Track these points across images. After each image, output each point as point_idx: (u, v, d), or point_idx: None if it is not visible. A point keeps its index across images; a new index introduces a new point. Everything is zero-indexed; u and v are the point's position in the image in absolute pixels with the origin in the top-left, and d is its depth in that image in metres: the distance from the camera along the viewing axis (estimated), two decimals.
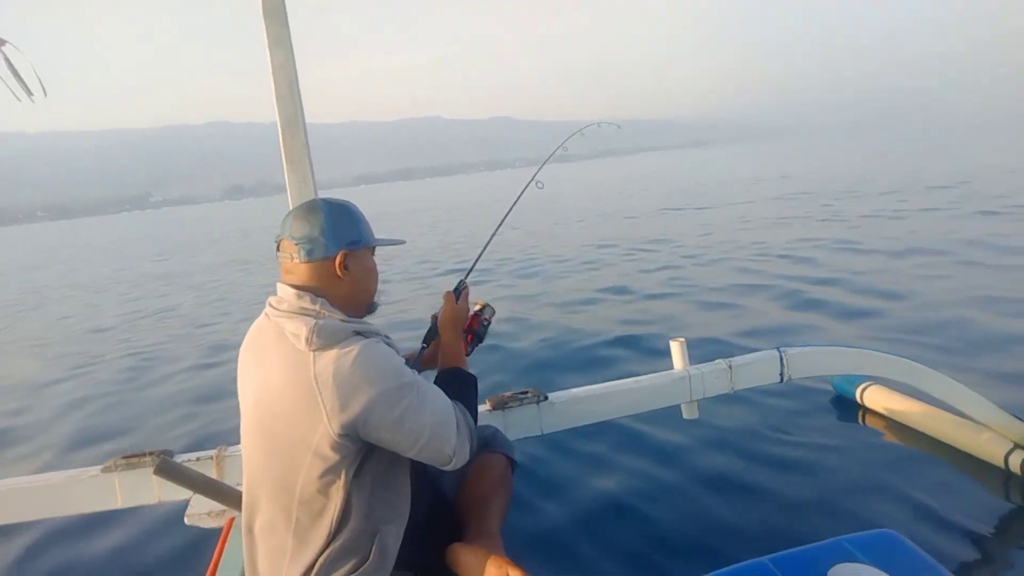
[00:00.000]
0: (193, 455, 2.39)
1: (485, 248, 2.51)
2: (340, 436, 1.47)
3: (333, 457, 1.49)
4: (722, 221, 13.92)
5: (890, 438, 3.40)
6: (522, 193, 2.66)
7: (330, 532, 1.52)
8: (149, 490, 2.29)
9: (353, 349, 1.50)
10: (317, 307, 1.58)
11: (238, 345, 1.73)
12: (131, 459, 2.30)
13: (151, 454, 2.30)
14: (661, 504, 2.95)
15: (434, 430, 1.57)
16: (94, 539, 3.01)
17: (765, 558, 1.17)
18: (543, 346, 5.86)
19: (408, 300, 8.58)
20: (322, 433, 1.47)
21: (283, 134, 2.46)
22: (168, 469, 1.99)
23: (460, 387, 1.84)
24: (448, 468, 1.65)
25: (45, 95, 2.27)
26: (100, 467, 2.31)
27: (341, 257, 1.63)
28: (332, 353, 1.50)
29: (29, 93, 2.24)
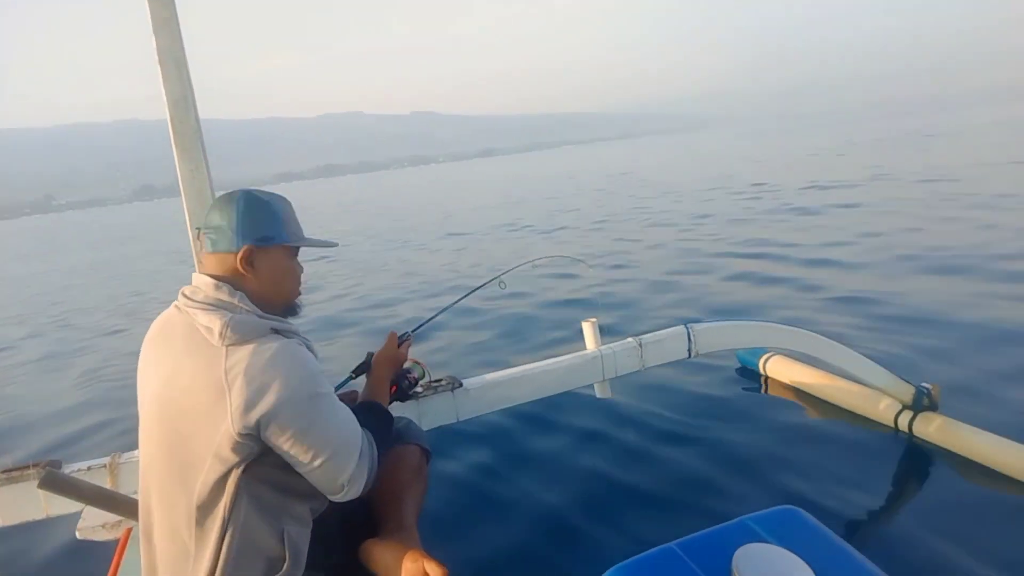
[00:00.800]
0: (84, 464, 2.24)
1: (441, 312, 2.65)
2: (241, 436, 1.40)
3: (232, 459, 1.42)
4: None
5: (792, 408, 3.56)
6: (483, 285, 2.79)
7: (221, 532, 1.44)
8: (35, 505, 2.12)
9: (270, 347, 1.44)
10: (235, 300, 1.51)
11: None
12: (12, 473, 2.13)
13: (36, 466, 2.13)
14: (569, 489, 2.96)
15: (336, 450, 1.50)
16: None
17: (672, 543, 1.18)
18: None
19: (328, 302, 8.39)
20: (224, 432, 1.39)
21: (172, 119, 2.31)
22: (54, 481, 1.84)
23: (374, 420, 1.78)
24: (334, 498, 1.58)
25: None
26: None
27: (244, 252, 1.54)
28: (247, 349, 1.43)
29: None
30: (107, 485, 2.12)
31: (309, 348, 1.58)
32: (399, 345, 2.11)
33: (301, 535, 1.55)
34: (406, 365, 2.20)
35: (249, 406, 1.38)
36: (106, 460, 2.24)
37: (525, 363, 2.75)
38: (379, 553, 1.69)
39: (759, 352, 3.97)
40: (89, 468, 2.21)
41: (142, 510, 1.57)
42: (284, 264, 1.62)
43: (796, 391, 3.67)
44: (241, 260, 1.54)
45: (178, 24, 2.32)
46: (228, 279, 1.55)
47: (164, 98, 2.31)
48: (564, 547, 2.57)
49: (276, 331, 1.50)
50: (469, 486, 3.09)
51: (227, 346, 1.43)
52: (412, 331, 2.26)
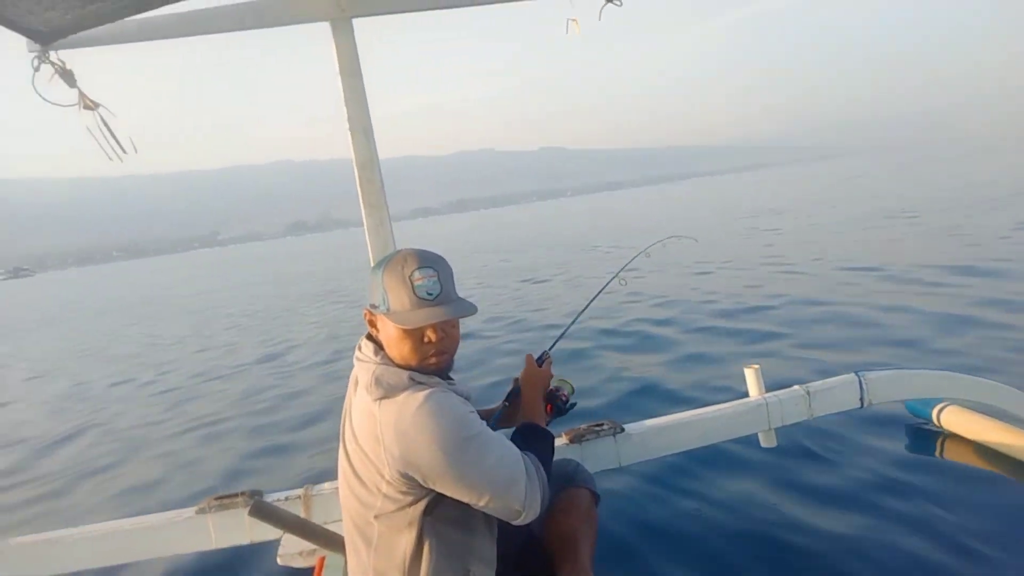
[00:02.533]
0: (282, 494, 2.44)
1: (570, 326, 2.59)
2: (404, 483, 1.51)
3: (402, 499, 1.53)
4: None
5: (976, 464, 3.28)
6: (607, 284, 2.78)
7: (404, 571, 1.55)
8: (241, 531, 2.34)
9: (415, 400, 1.52)
10: (378, 358, 1.62)
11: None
12: (223, 500, 2.36)
13: (243, 494, 2.36)
14: (744, 538, 2.88)
15: (500, 484, 1.56)
16: None
17: None
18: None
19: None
20: (388, 478, 1.51)
21: (360, 178, 2.56)
22: (261, 510, 2.04)
23: (535, 441, 1.82)
24: (517, 522, 1.62)
25: (136, 152, 2.40)
26: (194, 508, 2.38)
27: (366, 314, 1.69)
28: (395, 404, 1.53)
29: (123, 151, 2.38)
30: (301, 515, 2.30)
31: (457, 392, 1.63)
32: (540, 365, 2.12)
33: (484, 574, 1.63)
34: (553, 383, 2.18)
35: (404, 460, 1.49)
36: (300, 491, 2.44)
37: (687, 410, 2.73)
38: None
39: (931, 402, 3.69)
40: (287, 498, 2.41)
41: (345, 535, 1.72)
42: (392, 333, 1.61)
43: (976, 446, 3.37)
44: (367, 322, 1.70)
45: (365, 94, 2.55)
46: (377, 338, 1.69)
47: (353, 160, 2.53)
48: None
49: (417, 382, 1.57)
50: (637, 529, 3.06)
51: (377, 400, 1.55)
52: (549, 349, 2.26)
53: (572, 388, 2.25)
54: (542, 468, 1.71)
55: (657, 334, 7.09)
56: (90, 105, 2.33)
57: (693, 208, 32.40)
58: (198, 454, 5.27)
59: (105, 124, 2.35)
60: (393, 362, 1.61)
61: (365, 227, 2.59)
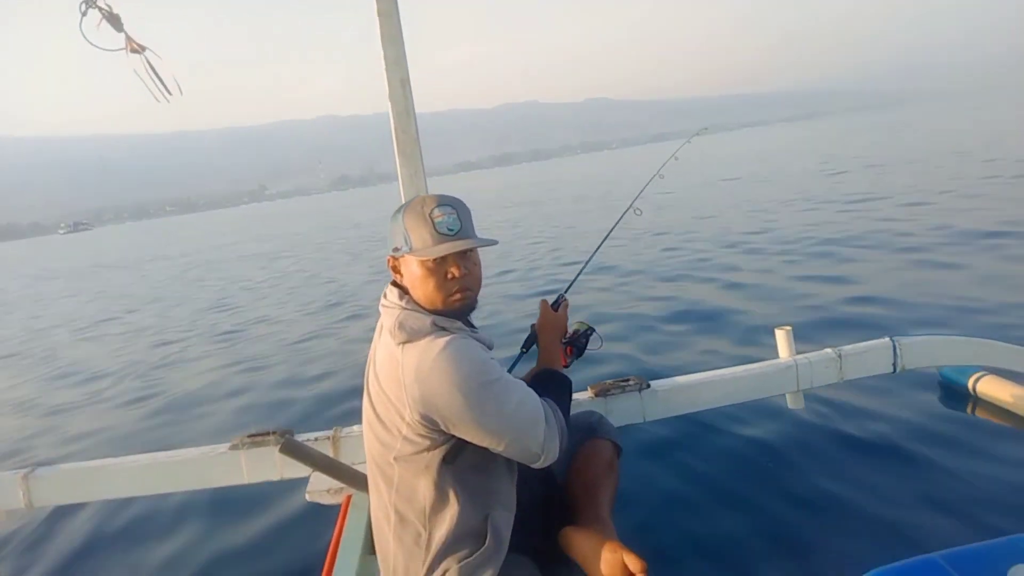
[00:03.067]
0: (311, 435, 2.52)
1: (586, 264, 2.57)
2: (423, 426, 1.54)
3: (421, 443, 1.56)
4: None
5: (1012, 433, 3.20)
6: (621, 217, 2.72)
7: (425, 511, 1.59)
8: (272, 467, 2.43)
9: (437, 345, 1.54)
10: (403, 302, 1.64)
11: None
12: (256, 438, 2.44)
13: (274, 433, 2.43)
14: (765, 495, 2.86)
15: (519, 429, 1.58)
16: (222, 512, 3.22)
17: (935, 554, 1.12)
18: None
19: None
20: (408, 422, 1.54)
21: (395, 128, 2.55)
22: (291, 448, 2.11)
23: (553, 387, 1.84)
24: (536, 466, 1.65)
25: (181, 94, 2.45)
26: (228, 445, 2.47)
27: (389, 262, 1.72)
28: (417, 347, 1.55)
29: (168, 93, 2.42)
30: (330, 455, 2.37)
31: (478, 339, 1.65)
32: (556, 310, 2.13)
33: (504, 519, 1.66)
34: (572, 327, 2.18)
35: (425, 404, 1.51)
36: (329, 432, 2.51)
37: (714, 368, 2.72)
38: (578, 541, 1.76)
39: (967, 371, 3.60)
40: (316, 439, 2.48)
41: (368, 477, 1.77)
42: (415, 271, 1.63)
43: (1013, 416, 3.30)
44: (391, 269, 1.73)
45: (403, 40, 2.54)
46: (403, 284, 1.71)
47: (390, 110, 2.54)
48: (767, 553, 2.49)
49: (440, 327, 1.60)
50: (659, 485, 3.08)
51: (400, 344, 1.58)
52: (564, 292, 2.26)
53: (593, 329, 2.24)
54: (560, 412, 1.74)
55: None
56: (136, 49, 2.35)
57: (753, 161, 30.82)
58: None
59: (151, 66, 2.37)
60: (418, 306, 1.64)
61: (400, 178, 2.60)
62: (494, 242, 1.72)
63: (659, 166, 2.99)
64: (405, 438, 1.57)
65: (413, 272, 1.64)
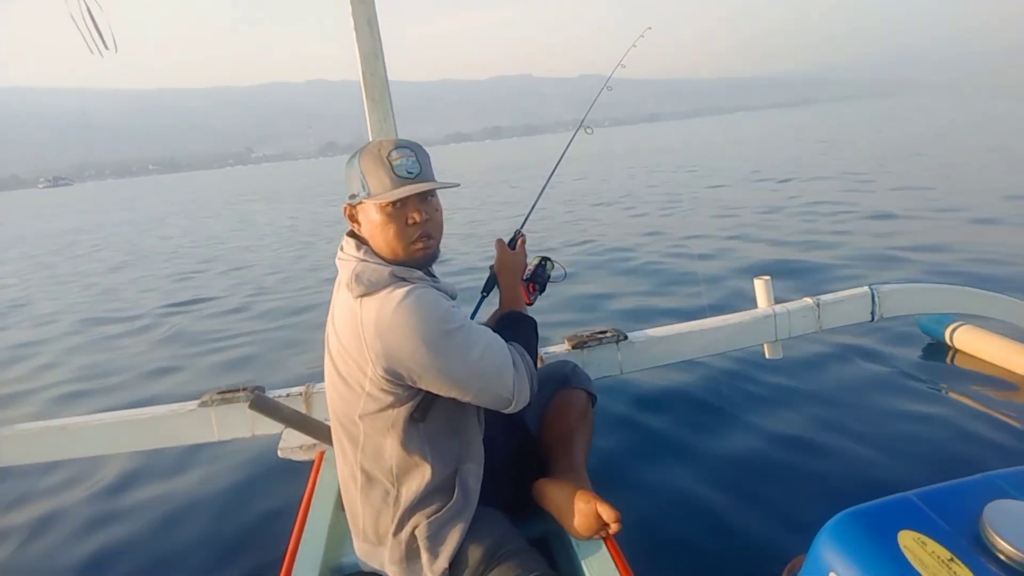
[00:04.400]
0: (283, 391, 2.47)
1: (539, 197, 2.44)
2: (387, 381, 1.48)
3: (385, 399, 1.51)
4: None
5: (988, 380, 3.23)
6: (572, 139, 2.60)
7: (392, 471, 1.56)
8: (243, 424, 2.38)
9: (396, 296, 1.47)
10: (360, 253, 1.57)
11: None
12: (226, 394, 2.40)
13: (244, 390, 2.39)
14: (747, 445, 2.86)
15: (486, 377, 1.54)
16: (192, 470, 3.17)
17: (909, 493, 1.11)
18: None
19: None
20: (371, 377, 1.49)
21: (364, 74, 2.45)
22: (262, 404, 2.07)
23: (519, 329, 1.79)
24: (507, 411, 1.61)
25: (116, 51, 2.29)
26: (197, 402, 2.41)
27: (346, 210, 1.63)
28: (375, 300, 1.49)
29: (104, 47, 2.26)
30: (303, 411, 2.33)
31: (438, 288, 1.59)
32: (513, 247, 2.04)
33: (473, 472, 1.63)
34: (532, 262, 2.10)
35: (386, 355, 1.45)
36: (301, 389, 2.46)
37: (692, 320, 2.69)
38: (551, 492, 1.74)
39: (945, 320, 3.62)
40: (288, 395, 2.44)
41: (332, 435, 1.72)
42: (375, 219, 1.55)
43: (991, 365, 3.31)
44: (348, 217, 1.64)
45: None
46: (360, 235, 1.63)
47: (357, 53, 2.43)
48: (743, 499, 2.49)
49: (399, 277, 1.52)
50: (638, 435, 3.06)
51: (358, 297, 1.50)
52: (520, 227, 2.15)
53: (553, 264, 2.16)
54: (528, 355, 1.69)
55: None
56: None
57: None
58: None
59: (91, 14, 2.20)
60: (378, 256, 1.57)
61: (368, 122, 2.51)
62: (455, 184, 1.63)
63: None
64: (369, 395, 1.51)
65: (372, 219, 1.55)
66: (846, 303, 2.65)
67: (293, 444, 2.35)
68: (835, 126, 40.58)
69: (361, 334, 1.48)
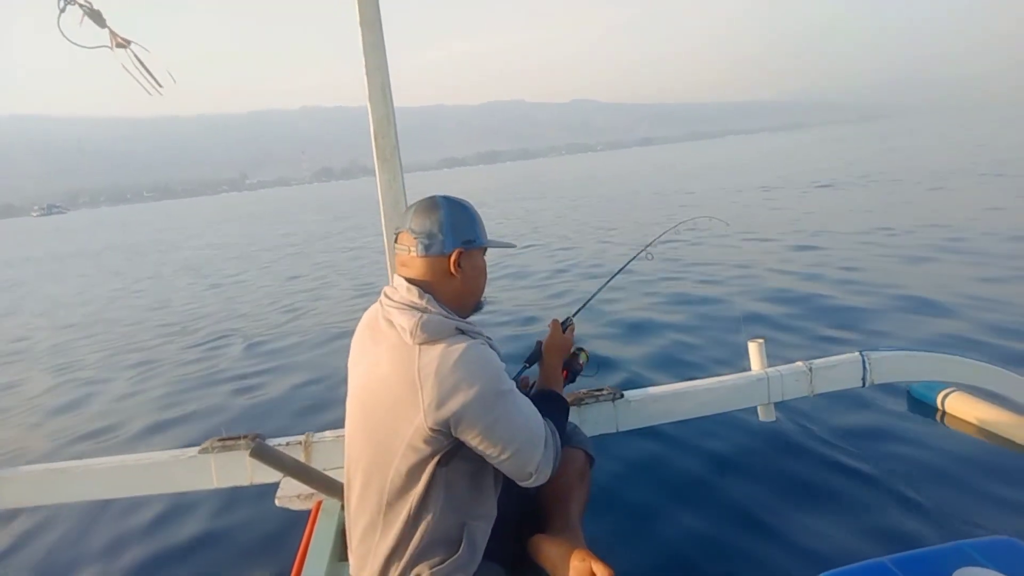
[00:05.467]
0: (283, 440, 2.49)
1: (597, 292, 2.60)
2: (433, 431, 1.51)
3: (425, 449, 1.53)
4: None
5: (978, 447, 3.26)
6: (632, 260, 2.77)
7: (409, 517, 1.56)
8: (242, 471, 2.40)
9: (458, 347, 1.53)
10: (424, 302, 1.61)
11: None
12: (227, 441, 2.41)
13: (245, 437, 2.41)
14: (736, 505, 2.91)
15: (523, 443, 1.59)
16: (190, 517, 3.16)
17: (884, 559, 1.15)
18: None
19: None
20: (417, 426, 1.51)
21: (376, 136, 2.53)
22: (262, 452, 2.08)
23: (553, 408, 1.86)
24: (526, 484, 1.66)
25: (175, 83, 2.43)
26: (198, 448, 2.43)
27: (456, 255, 1.66)
28: (437, 349, 1.53)
29: (159, 86, 2.41)
30: (302, 460, 2.35)
31: (492, 347, 1.66)
32: (564, 331, 2.13)
33: (481, 529, 1.66)
34: (572, 351, 2.21)
35: (440, 404, 1.49)
36: (301, 438, 2.48)
37: (687, 380, 2.75)
38: (547, 549, 1.77)
39: (936, 387, 3.67)
40: (287, 444, 2.46)
41: (346, 481, 1.74)
42: (480, 264, 1.73)
43: (983, 431, 3.34)
44: (454, 263, 1.66)
45: (384, 48, 2.52)
46: (422, 282, 1.66)
47: (369, 116, 2.52)
48: (734, 558, 2.55)
49: (461, 331, 1.60)
50: (630, 494, 3.10)
51: (419, 344, 1.54)
52: (573, 315, 2.28)
53: (587, 356, 2.28)
54: (558, 435, 1.75)
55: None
56: (122, 43, 2.32)
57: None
58: None
59: (139, 60, 2.34)
60: (442, 306, 1.62)
61: (378, 182, 2.58)
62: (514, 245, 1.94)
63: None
64: (410, 445, 1.53)
65: (477, 265, 1.71)
66: (837, 368, 2.70)
67: (291, 493, 2.36)
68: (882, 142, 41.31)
69: (416, 381, 1.51)
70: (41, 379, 6.84)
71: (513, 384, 1.62)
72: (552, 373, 2.04)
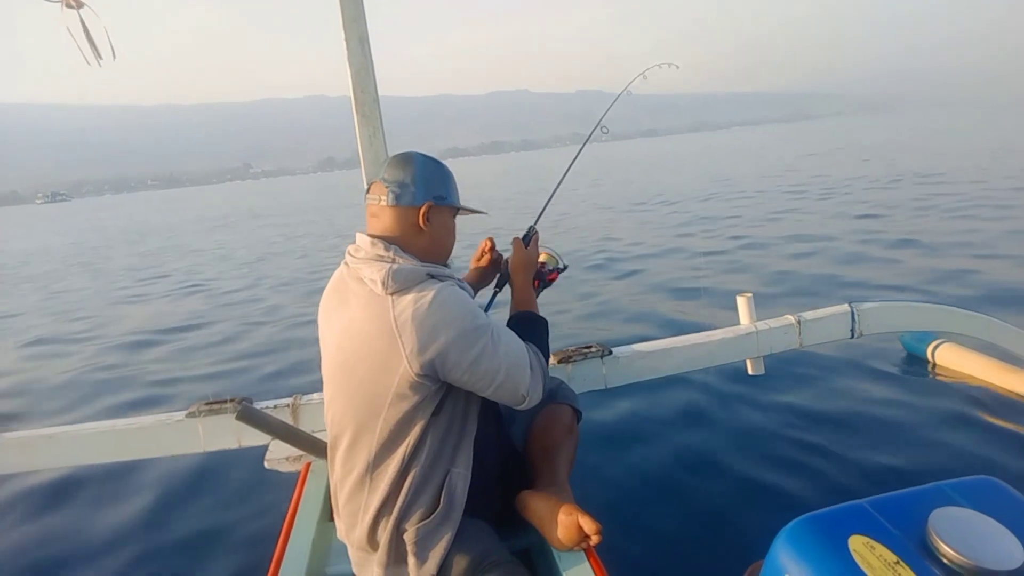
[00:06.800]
0: (270, 403, 2.48)
1: (553, 194, 2.48)
2: (419, 376, 1.51)
3: (413, 397, 1.53)
4: None
5: (968, 395, 3.29)
6: (588, 137, 2.65)
7: (400, 468, 1.57)
8: (230, 435, 2.40)
9: (430, 291, 1.52)
10: (391, 254, 1.60)
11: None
12: (213, 405, 2.41)
13: (232, 401, 2.40)
14: (726, 456, 2.95)
15: (509, 371, 1.59)
16: (179, 480, 3.18)
17: (862, 501, 1.15)
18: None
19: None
20: (402, 374, 1.50)
21: (354, 89, 2.49)
22: (249, 415, 2.07)
23: (532, 329, 1.84)
24: (521, 408, 1.68)
25: (114, 58, 2.30)
26: (184, 412, 2.43)
27: (426, 208, 1.65)
28: (410, 296, 1.52)
29: (99, 57, 2.27)
30: (290, 422, 2.35)
31: (463, 287, 1.65)
32: (527, 245, 2.08)
33: (461, 476, 1.65)
34: (541, 259, 2.15)
35: (423, 348, 1.49)
36: (289, 400, 2.48)
37: (675, 335, 2.73)
38: (535, 504, 1.77)
39: (927, 338, 3.68)
40: (275, 407, 2.46)
41: (329, 444, 1.74)
42: (449, 223, 1.74)
43: (973, 380, 3.36)
44: (423, 216, 1.65)
45: (363, 5, 2.49)
46: (387, 236, 1.65)
47: (347, 68, 2.47)
48: (734, 504, 2.60)
49: (432, 276, 1.59)
50: (620, 450, 3.11)
51: (391, 295, 1.53)
52: (535, 223, 2.20)
53: (554, 257, 2.21)
54: (541, 356, 1.76)
55: None
56: (72, 4, 2.21)
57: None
58: None
59: (84, 24, 2.23)
60: (410, 256, 1.62)
61: (358, 137, 2.54)
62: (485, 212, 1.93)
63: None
64: (397, 394, 1.53)
65: (446, 223, 1.73)
66: (826, 320, 2.69)
67: (280, 456, 2.36)
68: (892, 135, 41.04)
69: (394, 329, 1.50)
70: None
71: (489, 317, 1.62)
72: (523, 294, 2.00)
